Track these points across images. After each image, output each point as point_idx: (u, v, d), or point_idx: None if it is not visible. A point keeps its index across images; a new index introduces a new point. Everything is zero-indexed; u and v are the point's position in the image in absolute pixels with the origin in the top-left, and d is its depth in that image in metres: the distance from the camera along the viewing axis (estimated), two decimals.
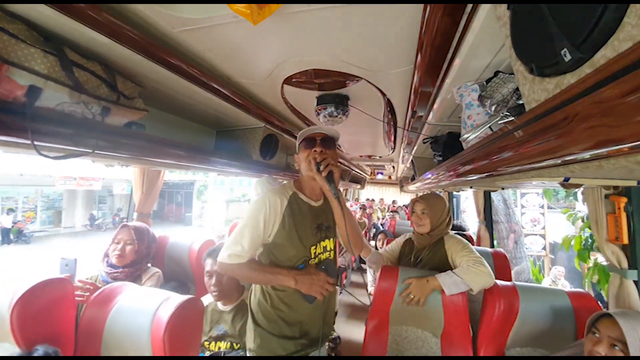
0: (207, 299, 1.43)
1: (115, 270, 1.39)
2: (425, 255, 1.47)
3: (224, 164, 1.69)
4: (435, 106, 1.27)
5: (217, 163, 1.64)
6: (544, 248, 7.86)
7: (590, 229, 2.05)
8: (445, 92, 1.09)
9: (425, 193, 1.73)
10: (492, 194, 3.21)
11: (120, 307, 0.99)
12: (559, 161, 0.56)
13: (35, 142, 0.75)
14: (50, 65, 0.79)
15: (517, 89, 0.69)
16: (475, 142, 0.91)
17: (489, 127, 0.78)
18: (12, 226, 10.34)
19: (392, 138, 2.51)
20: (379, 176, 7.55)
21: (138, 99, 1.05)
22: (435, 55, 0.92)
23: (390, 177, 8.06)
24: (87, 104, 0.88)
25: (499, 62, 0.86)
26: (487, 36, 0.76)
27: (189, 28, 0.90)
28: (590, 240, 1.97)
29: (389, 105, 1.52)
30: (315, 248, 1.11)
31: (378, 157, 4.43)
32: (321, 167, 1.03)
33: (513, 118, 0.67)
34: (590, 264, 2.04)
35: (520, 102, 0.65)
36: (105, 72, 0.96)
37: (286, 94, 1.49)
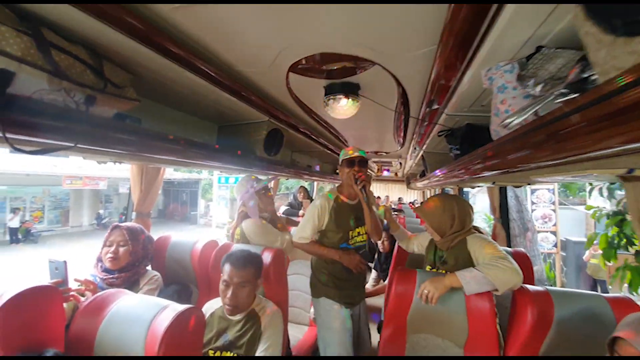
0: (212, 305, 1.34)
1: (111, 276, 1.30)
2: (449, 257, 1.36)
3: (226, 160, 1.59)
4: (456, 93, 1.15)
5: (220, 159, 1.54)
6: (555, 245, 7.67)
7: (616, 226, 1.93)
8: (470, 76, 0.97)
9: (435, 193, 1.62)
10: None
11: (113, 317, 0.90)
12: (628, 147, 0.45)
13: (8, 135, 0.65)
14: (25, 46, 0.69)
15: (581, 59, 0.57)
16: (511, 131, 0.79)
17: (534, 111, 0.66)
18: (20, 226, 10.44)
19: (402, 132, 2.39)
20: (385, 173, 7.39)
21: (129, 88, 0.96)
22: (463, 33, 0.80)
23: (396, 174, 7.90)
24: (69, 92, 0.79)
25: (541, 37, 0.74)
26: (529, 6, 0.64)
27: (183, 5, 0.80)
28: (618, 238, 1.83)
29: (403, 95, 1.40)
30: (352, 232, 1.63)
31: (385, 153, 4.30)
32: (358, 182, 1.53)
33: (575, 95, 0.55)
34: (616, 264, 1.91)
35: (586, 75, 0.53)
36: (90, 56, 0.86)
37: (291, 84, 1.38)
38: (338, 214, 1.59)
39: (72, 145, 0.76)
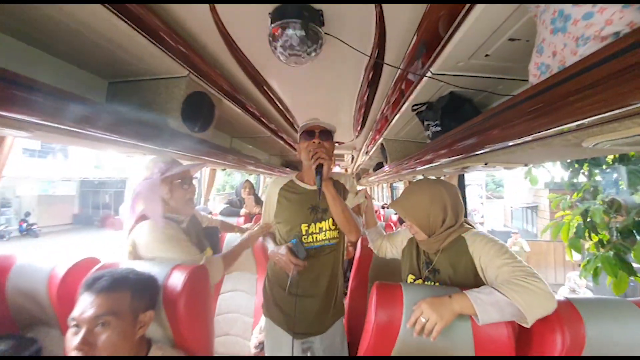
0: None
1: None
2: (441, 263, 1.02)
3: (120, 132, 1.01)
4: (460, 30, 0.80)
5: (108, 129, 0.96)
6: None
7: (581, 217, 1.86)
8: None
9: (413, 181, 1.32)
10: None
11: None
12: None
13: None
14: None
15: None
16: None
17: None
18: None
19: (363, 113, 2.05)
20: (336, 169, 7.17)
21: None
22: None
23: (346, 169, 7.75)
24: None
25: None
26: None
27: None
28: (582, 227, 1.75)
29: (380, 44, 1.02)
30: (308, 227, 1.25)
31: (338, 144, 3.99)
32: (312, 158, 1.18)
33: None
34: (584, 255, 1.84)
35: None
36: None
37: (220, 8, 0.89)
38: (288, 199, 1.29)
39: None
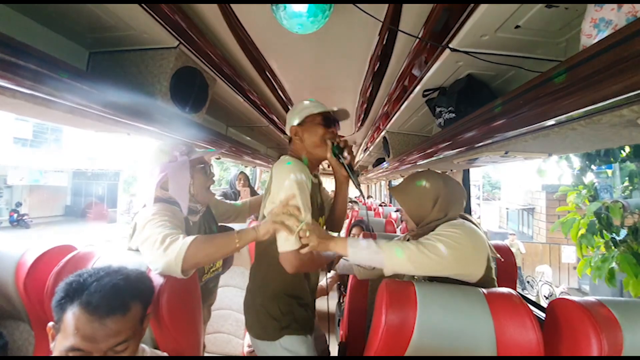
0: None
1: None
2: None
3: (100, 105, 0.89)
4: None
5: (88, 99, 0.84)
6: None
7: (594, 215, 1.78)
8: None
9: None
10: None
11: None
12: None
13: None
14: None
15: None
16: None
17: None
18: None
19: (367, 100, 1.94)
20: None
21: None
22: None
23: None
24: None
25: None
26: None
27: None
28: (597, 223, 1.66)
29: (395, 8, 0.91)
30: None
31: None
32: (345, 153, 1.05)
33: None
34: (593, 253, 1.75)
35: None
36: None
37: None
38: (311, 189, 1.03)
39: None
